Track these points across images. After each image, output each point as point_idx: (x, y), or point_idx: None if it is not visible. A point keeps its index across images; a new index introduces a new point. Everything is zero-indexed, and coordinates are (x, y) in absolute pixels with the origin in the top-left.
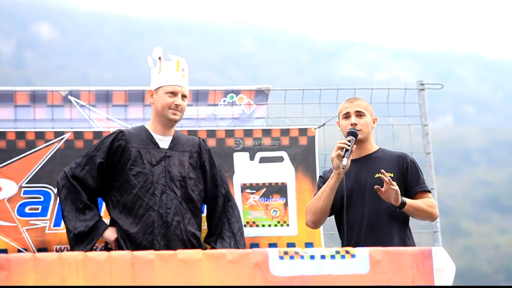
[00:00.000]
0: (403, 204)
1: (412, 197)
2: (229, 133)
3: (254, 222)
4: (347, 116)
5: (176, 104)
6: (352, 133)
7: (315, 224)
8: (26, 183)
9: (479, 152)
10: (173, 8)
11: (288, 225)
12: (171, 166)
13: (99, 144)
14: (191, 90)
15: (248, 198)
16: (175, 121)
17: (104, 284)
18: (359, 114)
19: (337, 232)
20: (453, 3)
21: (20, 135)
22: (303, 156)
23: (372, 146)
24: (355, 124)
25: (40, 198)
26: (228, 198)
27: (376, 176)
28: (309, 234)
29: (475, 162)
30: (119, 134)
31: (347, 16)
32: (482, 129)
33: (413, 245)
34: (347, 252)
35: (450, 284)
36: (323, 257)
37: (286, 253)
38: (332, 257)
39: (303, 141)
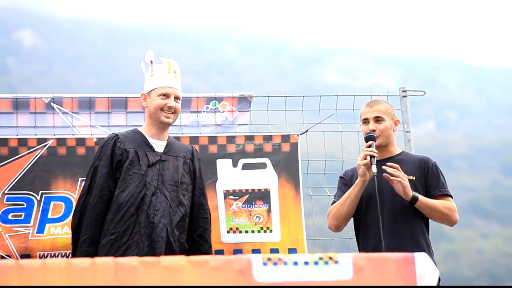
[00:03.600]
0: (415, 198)
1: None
2: (212, 139)
3: (237, 228)
4: (365, 121)
5: (169, 106)
6: (371, 138)
7: (338, 228)
8: (9, 190)
9: (461, 157)
10: (157, 15)
11: (271, 231)
12: (164, 170)
13: (99, 154)
14: None
15: (231, 204)
16: (168, 124)
17: None
18: (377, 119)
19: (320, 238)
20: (435, 10)
21: (3, 142)
22: (286, 162)
23: (395, 149)
24: (374, 130)
25: (23, 205)
26: (209, 214)
27: None
28: (292, 240)
29: (457, 168)
30: (116, 139)
31: (329, 23)
32: (464, 135)
33: (429, 249)
34: (330, 258)
35: None
36: (306, 263)
37: (269, 259)
38: (316, 263)
39: (286, 147)
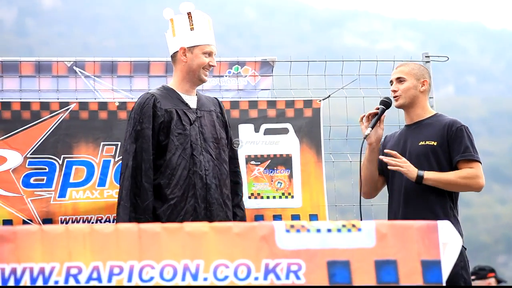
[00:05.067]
0: (420, 178)
1: (454, 167)
2: (234, 104)
3: (258, 194)
4: (391, 83)
5: (210, 65)
6: (383, 103)
7: (366, 194)
8: (31, 154)
9: (480, 122)
10: None
11: (292, 197)
12: (203, 127)
13: (140, 116)
14: None
15: (253, 170)
16: (205, 81)
17: (111, 256)
18: (399, 80)
19: (341, 205)
20: None
21: (25, 105)
22: (308, 128)
23: (425, 111)
24: (395, 90)
25: (45, 169)
26: (239, 167)
27: (420, 144)
28: (313, 206)
29: (476, 132)
30: (155, 99)
31: None
32: (483, 100)
33: (455, 216)
34: (353, 225)
35: (456, 258)
36: (329, 230)
37: (292, 226)
38: (339, 230)
39: (308, 113)
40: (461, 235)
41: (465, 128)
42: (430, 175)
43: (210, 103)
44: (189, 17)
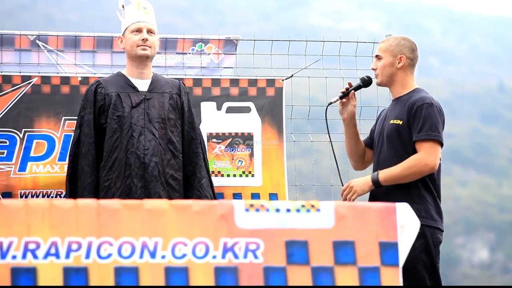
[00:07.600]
0: (378, 184)
1: (414, 148)
2: (197, 82)
3: (219, 172)
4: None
5: (142, 39)
6: (362, 80)
7: (354, 167)
8: None
9: (441, 104)
10: None
11: (253, 175)
12: (150, 108)
13: (84, 102)
14: (160, 38)
15: (214, 147)
16: (147, 57)
17: (69, 232)
18: (378, 57)
19: (301, 184)
20: None
21: None
22: (270, 107)
23: (405, 88)
24: (374, 68)
25: (5, 142)
26: (202, 147)
27: (390, 122)
28: (273, 185)
29: None
30: (97, 84)
31: None
32: (445, 81)
33: (423, 196)
34: (313, 206)
35: (413, 240)
36: (288, 210)
37: (251, 205)
38: (298, 210)
39: (270, 92)
40: (435, 215)
41: (427, 106)
42: (383, 177)
43: (167, 86)
44: (123, 9)
